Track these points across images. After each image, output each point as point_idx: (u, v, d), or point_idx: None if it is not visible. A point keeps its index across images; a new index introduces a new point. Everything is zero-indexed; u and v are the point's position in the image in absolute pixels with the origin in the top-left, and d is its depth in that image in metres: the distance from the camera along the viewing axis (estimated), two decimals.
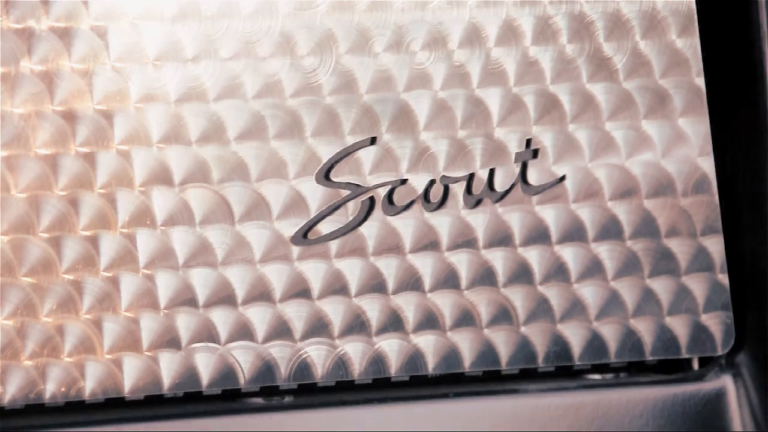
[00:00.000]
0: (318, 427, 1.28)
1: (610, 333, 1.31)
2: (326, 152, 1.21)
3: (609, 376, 1.34)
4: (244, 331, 1.21)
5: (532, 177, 1.24)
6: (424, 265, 1.24)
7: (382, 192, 1.21)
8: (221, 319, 1.20)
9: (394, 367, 1.25)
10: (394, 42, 1.22)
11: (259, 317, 1.22)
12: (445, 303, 1.25)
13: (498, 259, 1.26)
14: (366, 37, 1.23)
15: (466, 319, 1.27)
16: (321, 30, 1.23)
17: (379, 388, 1.26)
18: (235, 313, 1.21)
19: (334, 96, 1.22)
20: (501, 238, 1.26)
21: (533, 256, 1.26)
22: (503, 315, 1.28)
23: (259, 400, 1.25)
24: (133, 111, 1.19)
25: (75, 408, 1.22)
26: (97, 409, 1.23)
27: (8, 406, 1.18)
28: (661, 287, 1.30)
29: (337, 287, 1.23)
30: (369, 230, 1.22)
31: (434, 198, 1.22)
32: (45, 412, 1.22)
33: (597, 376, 1.33)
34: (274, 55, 1.21)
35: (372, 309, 1.23)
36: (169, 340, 1.20)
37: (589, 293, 1.29)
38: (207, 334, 1.21)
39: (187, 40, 1.20)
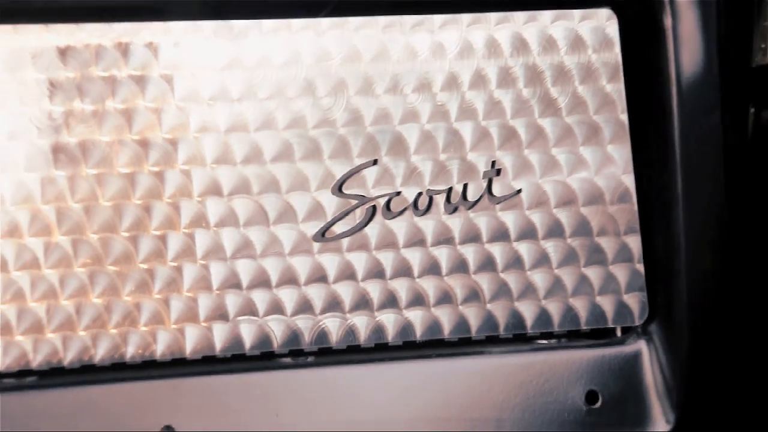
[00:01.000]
0: (333, 381, 1.53)
1: (554, 308, 1.56)
2: (339, 171, 1.45)
3: (553, 341, 1.58)
4: (276, 307, 1.46)
5: (496, 190, 1.49)
6: (414, 258, 1.48)
7: (382, 201, 1.45)
8: (259, 298, 1.45)
9: (390, 334, 1.49)
10: (391, 86, 1.47)
11: (288, 297, 1.46)
12: (429, 286, 1.50)
13: (470, 253, 1.51)
14: (369, 82, 1.48)
15: (445, 298, 1.52)
16: (335, 77, 1.48)
17: (379, 350, 1.52)
18: (270, 293, 1.45)
19: (345, 128, 1.46)
20: (472, 237, 1.52)
21: (496, 250, 1.52)
22: (473, 295, 1.53)
23: (288, 360, 1.51)
24: (192, 139, 1.43)
25: (149, 366, 1.45)
26: (166, 367, 1.47)
27: (98, 364, 1.42)
28: (593, 274, 1.55)
29: (347, 274, 1.47)
30: (372, 231, 1.46)
31: (421, 206, 1.47)
32: (126, 369, 1.45)
33: (544, 342, 1.58)
34: (299, 96, 1.45)
35: (374, 291, 1.48)
36: (220, 314, 1.45)
37: (539, 278, 1.55)
38: (249, 309, 1.46)
39: (233, 84, 1.45)
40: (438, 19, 1.53)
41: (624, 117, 1.56)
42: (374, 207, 1.47)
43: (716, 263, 1.66)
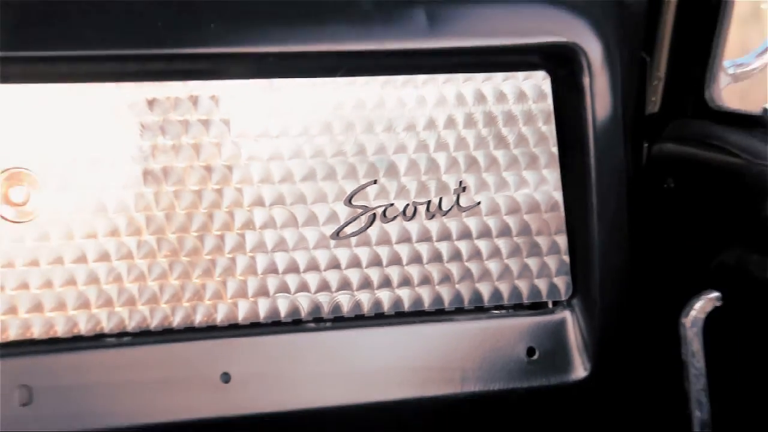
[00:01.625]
0: (345, 340, 1.85)
1: (504, 288, 1.91)
2: (349, 188, 1.79)
3: (504, 311, 1.92)
4: (304, 287, 1.79)
5: (462, 202, 1.85)
6: (402, 251, 1.83)
7: (380, 210, 1.79)
8: (292, 280, 1.78)
9: (386, 307, 1.83)
10: (387, 127, 1.82)
11: (312, 280, 1.79)
12: (414, 272, 1.84)
13: (443, 247, 1.86)
14: (371, 124, 1.82)
15: (425, 280, 1.86)
16: (347, 120, 1.82)
17: (378, 318, 1.85)
18: (299, 277, 1.77)
19: (354, 156, 1.80)
20: (445, 236, 1.86)
21: (462, 246, 1.87)
22: (446, 278, 1.88)
23: (312, 325, 1.82)
24: (243, 165, 1.75)
25: (212, 329, 1.77)
26: (225, 330, 1.79)
27: (175, 328, 1.75)
28: (532, 262, 1.90)
29: (355, 263, 1.80)
30: (372, 232, 1.80)
31: (408, 213, 1.81)
32: (196, 331, 1.76)
33: (497, 312, 1.91)
34: (321, 134, 1.78)
35: (374, 275, 1.81)
36: (263, 292, 1.78)
37: (493, 266, 1.89)
38: (284, 288, 1.78)
39: (273, 126, 1.78)
40: (420, 78, 1.84)
41: (555, 149, 1.90)
42: (374, 214, 1.80)
43: (620, 255, 1.98)
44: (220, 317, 1.74)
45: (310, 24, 1.82)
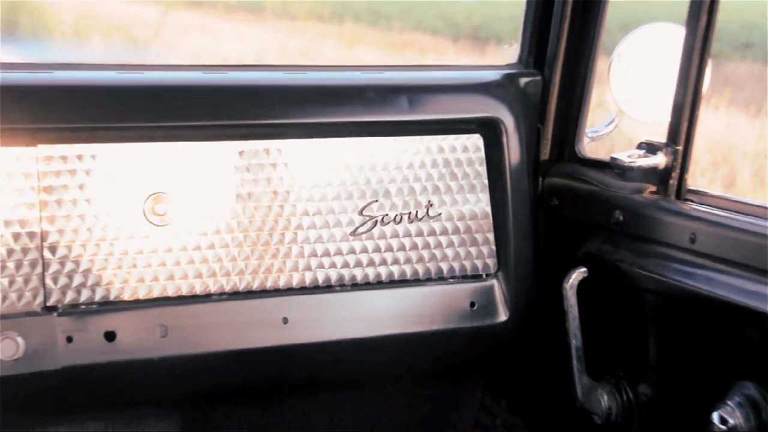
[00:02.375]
0: (358, 298, 2.21)
1: (456, 265, 2.29)
2: (360, 204, 2.21)
3: (456, 279, 2.30)
4: (333, 265, 2.17)
5: (430, 213, 2.25)
6: (394, 243, 2.23)
7: (379, 217, 2.23)
8: (326, 261, 2.18)
9: (384, 277, 2.22)
10: (383, 168, 2.24)
11: (338, 260, 2.18)
12: (401, 255, 2.24)
13: (419, 240, 2.27)
14: (373, 166, 2.22)
15: (408, 260, 2.24)
16: (359, 164, 2.21)
17: (378, 284, 2.24)
18: (330, 259, 2.17)
19: (363, 186, 2.21)
20: (420, 233, 2.26)
21: (431, 239, 2.27)
22: (421, 259, 2.25)
23: (338, 288, 2.20)
24: (297, 190, 2.17)
25: (276, 291, 2.15)
26: (283, 291, 2.15)
27: (255, 289, 2.10)
28: (474, 250, 2.29)
29: (364, 250, 2.20)
30: (375, 231, 2.21)
31: (397, 220, 2.24)
32: (266, 292, 2.13)
33: (452, 280, 2.28)
34: (343, 171, 2.19)
35: (377, 258, 2.21)
36: (308, 267, 2.18)
37: (449, 252, 2.29)
38: (320, 265, 2.17)
39: (314, 165, 2.19)
40: (405, 138, 2.25)
41: (486, 181, 2.30)
42: (376, 220, 2.22)
43: (527, 245, 2.37)
44: (282, 283, 2.14)
45: (337, 103, 2.26)
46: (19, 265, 1.91)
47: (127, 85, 2.10)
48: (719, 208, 1.90)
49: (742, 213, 1.85)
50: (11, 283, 1.90)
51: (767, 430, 1.70)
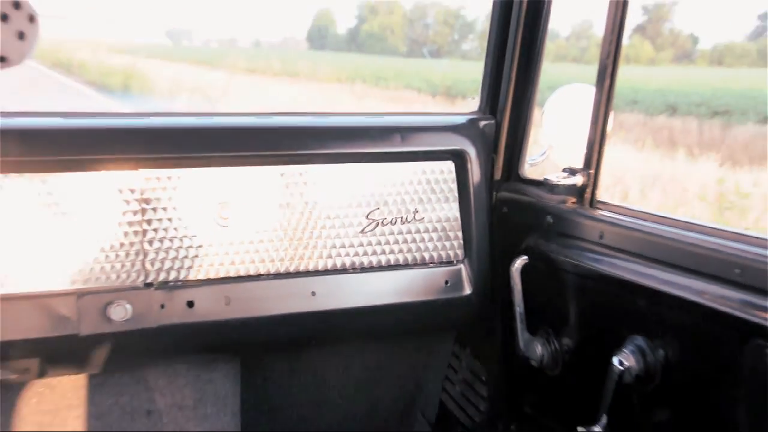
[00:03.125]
0: (365, 278, 2.14)
1: (435, 254, 2.24)
2: (367, 210, 2.15)
3: (435, 264, 2.25)
4: (347, 254, 2.13)
5: (417, 217, 2.21)
6: (391, 238, 2.18)
7: (380, 219, 2.17)
8: (342, 251, 2.13)
9: (383, 263, 2.17)
10: (383, 184, 2.17)
11: (351, 251, 2.14)
12: (395, 247, 2.19)
13: (409, 236, 2.22)
14: (376, 182, 2.16)
15: (400, 250, 2.19)
16: (363, 180, 2.14)
17: (379, 268, 2.18)
18: (345, 249, 2.12)
19: (369, 197, 2.15)
20: (409, 231, 2.20)
21: (417, 235, 2.22)
22: (410, 249, 2.22)
23: (350, 270, 2.14)
24: (323, 201, 2.12)
25: (307, 272, 2.10)
26: (312, 272, 2.09)
27: (291, 271, 2.08)
28: (447, 243, 2.25)
29: (369, 243, 2.15)
30: (377, 230, 2.17)
31: (393, 222, 2.19)
32: (299, 272, 2.08)
33: (432, 264, 2.23)
34: (353, 186, 2.13)
35: (378, 249, 2.17)
36: (329, 256, 2.13)
37: (430, 244, 2.24)
38: (338, 254, 2.12)
39: (333, 181, 2.13)
40: (399, 163, 2.20)
41: (456, 194, 2.26)
42: (378, 222, 2.18)
43: (484, 241, 2.30)
44: (311, 267, 2.12)
45: (350, 139, 2.21)
46: (127, 254, 1.94)
47: (203, 127, 2.09)
48: (619, 213, 1.90)
49: (634, 217, 1.85)
50: (122, 266, 1.93)
51: (650, 370, 1.72)
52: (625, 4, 1.81)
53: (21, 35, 1.35)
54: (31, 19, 1.36)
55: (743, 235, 1.55)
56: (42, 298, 1.83)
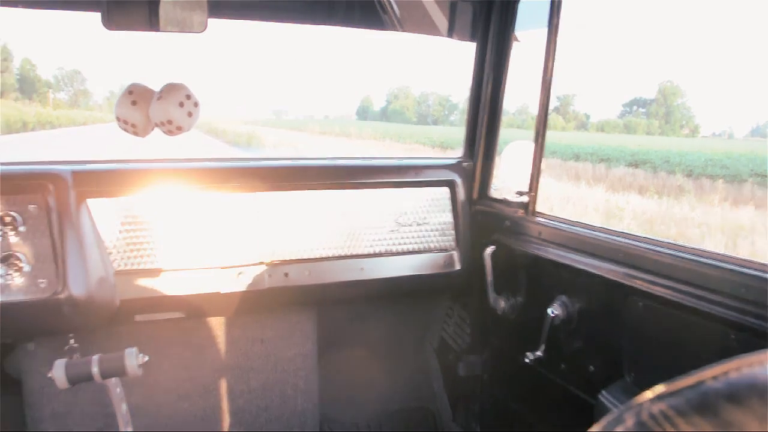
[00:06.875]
0: (388, 261, 1.99)
1: (437, 244, 2.06)
2: (399, 219, 2.01)
3: (437, 251, 2.07)
4: (379, 245, 1.99)
5: (425, 222, 2.04)
6: (409, 235, 2.01)
7: (402, 221, 2.01)
8: (379, 242, 2.00)
9: (403, 249, 2.00)
10: (406, 201, 2.03)
11: (385, 241, 1.99)
12: (412, 240, 2.03)
13: (420, 234, 2.05)
14: (399, 199, 2.03)
15: (416, 242, 2.04)
16: (392, 198, 2.04)
17: (403, 253, 2.01)
18: (380, 241, 1.98)
19: (395, 212, 2.03)
20: (421, 230, 2.04)
21: (426, 234, 2.07)
22: (422, 241, 2.05)
23: (381, 254, 2.00)
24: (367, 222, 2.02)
25: (338, 257, 1.94)
26: (355, 257, 1.96)
27: (325, 256, 1.91)
28: (444, 238, 2.08)
29: (395, 237, 2.00)
30: (401, 229, 2.00)
31: (412, 225, 2.01)
32: (341, 256, 1.92)
33: (435, 252, 2.05)
34: (392, 205, 2.02)
35: (404, 241, 2.02)
36: (369, 246, 2.00)
37: (434, 238, 2.05)
38: (374, 245, 1.99)
39: (368, 199, 2.03)
40: (413, 188, 2.06)
41: (450, 208, 2.11)
42: (401, 224, 2.03)
43: (467, 237, 2.14)
44: (361, 252, 1.98)
45: (382, 176, 2.05)
46: (249, 244, 1.83)
47: (294, 166, 1.97)
48: (550, 219, 1.81)
49: (559, 221, 1.78)
50: (246, 251, 1.82)
51: (570, 316, 1.66)
52: (548, 95, 1.73)
53: (190, 114, 1.38)
54: (196, 104, 1.39)
55: (624, 233, 1.50)
56: (198, 270, 1.75)
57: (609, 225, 1.59)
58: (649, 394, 0.37)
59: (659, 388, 0.37)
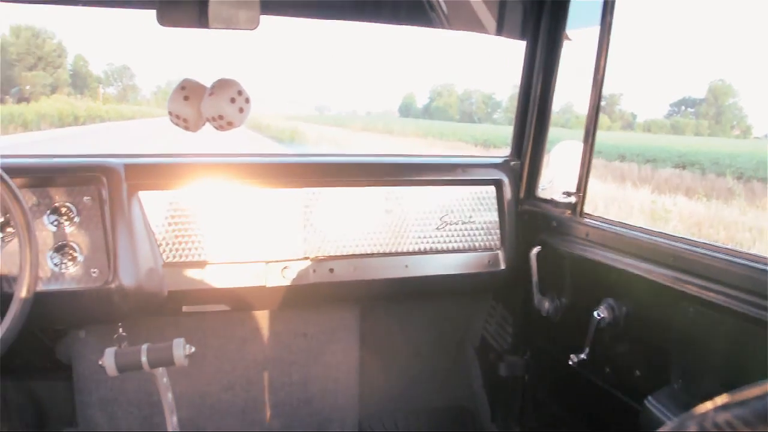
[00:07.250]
0: (431, 259, 1.96)
1: (481, 243, 2.05)
2: (441, 219, 2.00)
3: (482, 250, 2.04)
4: (424, 242, 1.96)
5: (470, 220, 2.04)
6: (451, 235, 1.99)
7: (443, 221, 1.99)
8: (425, 240, 1.97)
9: (445, 248, 1.99)
10: (449, 200, 2.01)
11: (431, 239, 1.96)
12: (452, 238, 2.00)
13: (463, 231, 2.02)
14: (439, 199, 2.00)
15: (456, 241, 2.00)
16: (438, 199, 2.02)
17: (446, 251, 1.99)
18: (425, 238, 1.95)
19: (435, 213, 1.99)
20: (465, 228, 2.02)
21: (470, 231, 2.04)
22: (466, 240, 2.03)
23: (423, 252, 1.97)
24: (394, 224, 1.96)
25: (379, 254, 1.92)
26: (394, 254, 1.96)
27: (368, 252, 1.91)
28: (489, 236, 2.05)
29: (440, 235, 1.96)
30: (442, 227, 1.97)
31: (444, 227, 1.99)
32: (384, 253, 1.91)
33: (480, 250, 2.03)
34: (432, 204, 2.00)
35: (445, 239, 1.99)
36: (412, 243, 1.95)
37: (479, 236, 2.05)
38: (416, 243, 1.97)
39: (405, 198, 1.99)
40: (457, 187, 2.02)
41: (496, 206, 2.07)
42: (447, 222, 2.01)
43: (514, 236, 2.10)
44: (404, 249, 1.98)
45: (431, 173, 2.02)
46: (295, 239, 1.85)
47: (337, 162, 1.99)
48: (598, 221, 1.79)
49: (606, 223, 1.75)
50: (291, 246, 1.85)
51: (616, 319, 1.63)
52: (599, 94, 1.71)
53: (241, 110, 1.39)
54: (247, 100, 1.39)
55: (674, 236, 1.48)
56: (244, 263, 1.76)
57: (655, 227, 1.59)
58: (710, 404, 0.37)
59: (723, 398, 0.36)
